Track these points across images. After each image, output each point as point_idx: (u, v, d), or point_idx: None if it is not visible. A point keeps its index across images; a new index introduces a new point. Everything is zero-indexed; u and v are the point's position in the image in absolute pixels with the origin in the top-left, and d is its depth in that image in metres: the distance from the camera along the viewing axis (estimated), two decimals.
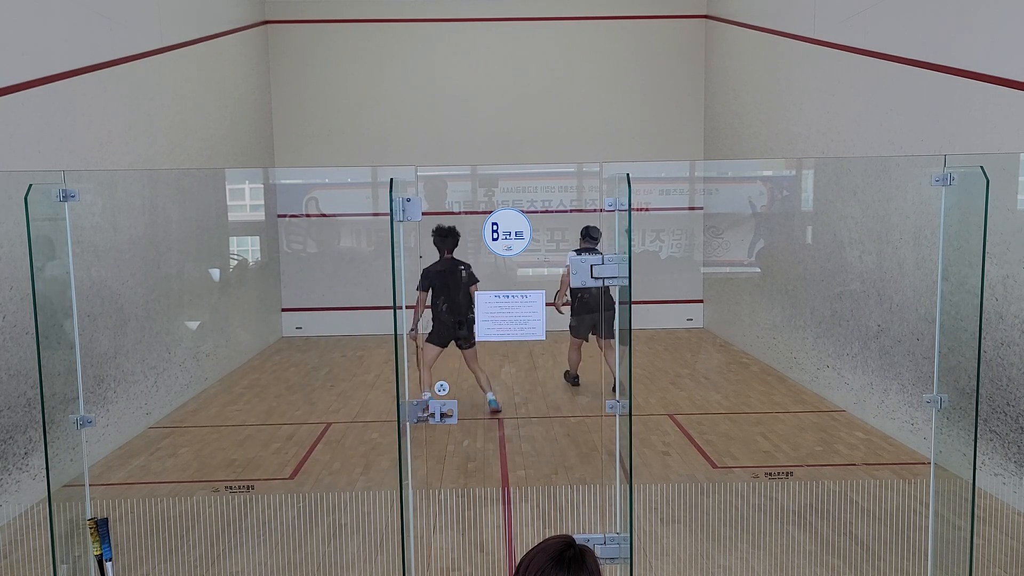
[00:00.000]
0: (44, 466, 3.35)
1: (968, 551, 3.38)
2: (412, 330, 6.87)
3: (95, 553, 3.28)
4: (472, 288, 6.77)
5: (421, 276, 6.79)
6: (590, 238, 7.49)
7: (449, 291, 6.82)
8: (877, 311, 6.54)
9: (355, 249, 11.53)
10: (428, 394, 7.36)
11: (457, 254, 6.77)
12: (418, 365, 6.97)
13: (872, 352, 6.64)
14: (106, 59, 6.54)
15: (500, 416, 7.11)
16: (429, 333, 7.03)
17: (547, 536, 2.06)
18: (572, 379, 8.05)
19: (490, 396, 7.24)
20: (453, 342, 7.03)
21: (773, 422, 6.86)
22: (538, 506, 5.10)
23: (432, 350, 7.00)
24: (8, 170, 4.98)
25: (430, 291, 6.85)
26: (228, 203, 9.90)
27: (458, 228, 6.86)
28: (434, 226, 6.86)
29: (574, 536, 2.04)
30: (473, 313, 7.17)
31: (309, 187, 11.60)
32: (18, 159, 5.23)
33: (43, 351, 3.29)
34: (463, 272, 6.75)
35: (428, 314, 7.00)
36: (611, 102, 11.73)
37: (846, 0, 7.13)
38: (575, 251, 7.56)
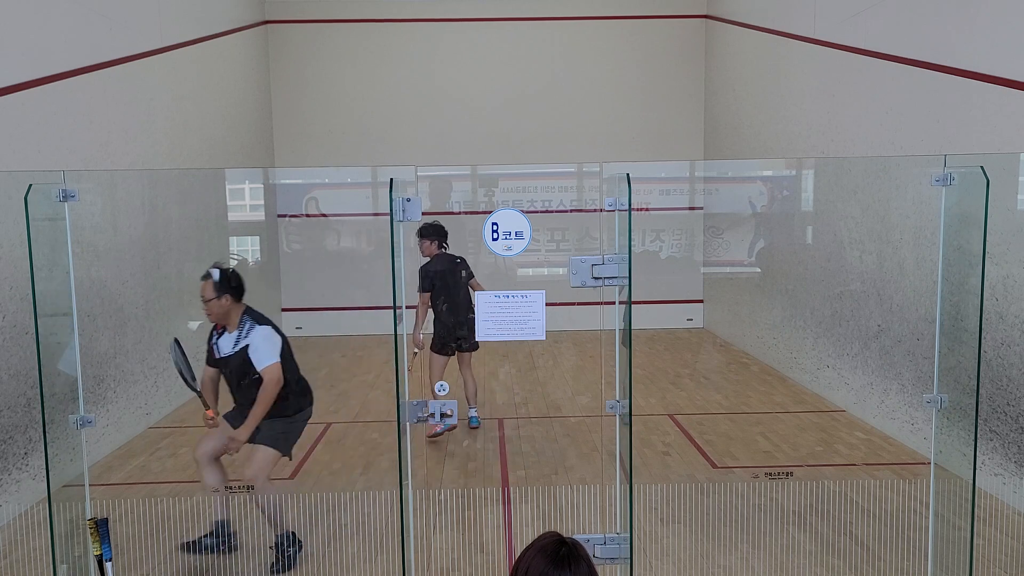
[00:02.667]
0: (44, 466, 3.35)
1: (968, 551, 3.38)
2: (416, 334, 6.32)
3: (95, 553, 3.28)
4: (473, 284, 6.32)
5: (421, 276, 6.22)
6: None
7: (450, 290, 6.30)
8: (877, 311, 6.54)
9: (355, 249, 11.53)
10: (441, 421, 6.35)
11: (456, 253, 6.49)
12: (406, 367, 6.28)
13: (872, 352, 6.64)
14: (106, 59, 6.54)
15: (500, 416, 7.11)
16: (432, 341, 6.45)
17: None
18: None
19: (472, 412, 6.65)
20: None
21: (773, 422, 6.85)
22: (538, 506, 5.10)
23: (440, 360, 6.45)
24: (8, 170, 4.98)
25: (430, 292, 6.27)
26: (228, 203, 9.89)
27: (454, 228, 6.40)
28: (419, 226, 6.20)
29: (574, 536, 2.05)
30: (473, 313, 6.67)
31: (309, 187, 11.60)
32: (18, 159, 5.23)
33: (43, 351, 3.29)
34: (462, 269, 6.34)
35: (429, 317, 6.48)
36: (611, 102, 11.72)
37: (846, 0, 7.13)
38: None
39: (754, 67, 9.63)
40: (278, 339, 4.28)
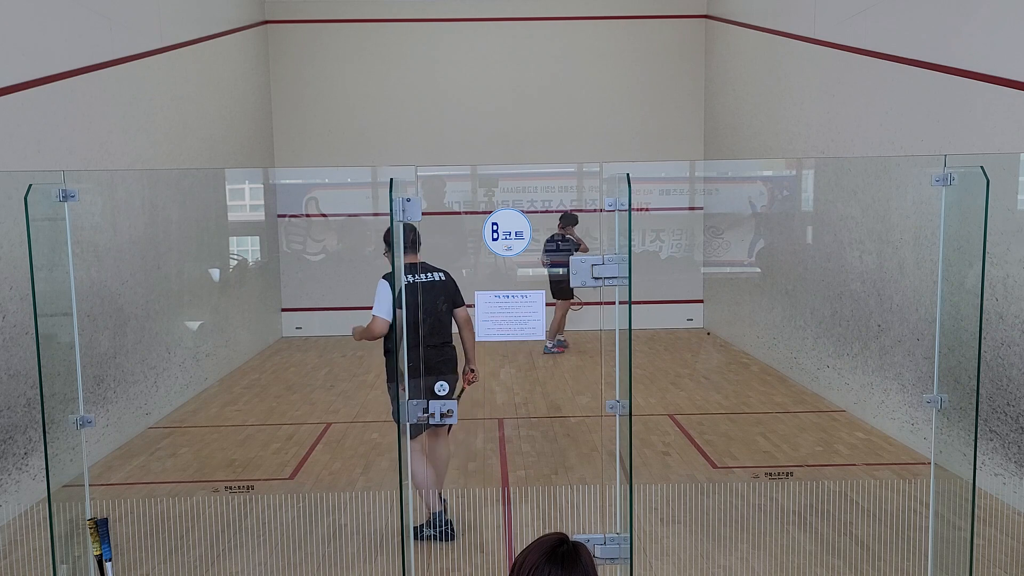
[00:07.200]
0: (44, 466, 3.35)
1: (968, 551, 3.38)
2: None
3: (95, 553, 3.28)
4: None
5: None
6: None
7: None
8: (877, 311, 6.54)
9: (355, 249, 11.53)
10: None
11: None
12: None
13: (872, 352, 6.64)
14: (106, 59, 6.54)
15: (500, 416, 7.11)
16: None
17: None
18: None
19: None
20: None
21: (773, 422, 6.85)
22: (538, 506, 5.10)
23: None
24: (8, 170, 4.98)
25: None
26: (228, 203, 9.89)
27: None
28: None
29: (574, 536, 2.05)
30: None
31: (309, 187, 11.60)
32: (18, 159, 5.23)
33: (43, 351, 3.29)
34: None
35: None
36: (611, 102, 11.72)
37: (846, 0, 7.13)
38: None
39: (754, 67, 9.63)
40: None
